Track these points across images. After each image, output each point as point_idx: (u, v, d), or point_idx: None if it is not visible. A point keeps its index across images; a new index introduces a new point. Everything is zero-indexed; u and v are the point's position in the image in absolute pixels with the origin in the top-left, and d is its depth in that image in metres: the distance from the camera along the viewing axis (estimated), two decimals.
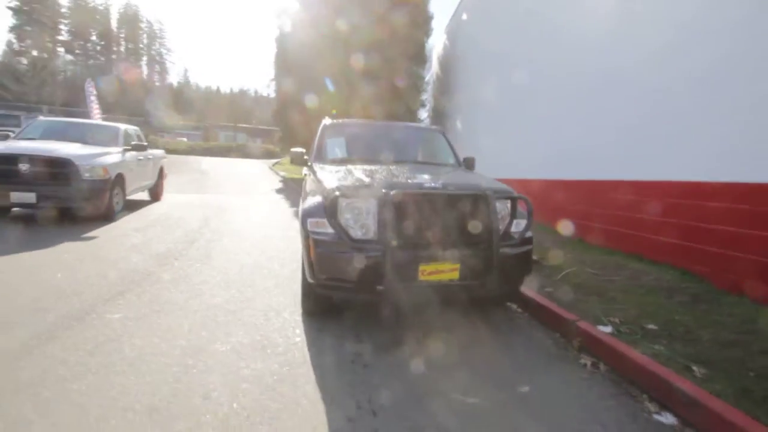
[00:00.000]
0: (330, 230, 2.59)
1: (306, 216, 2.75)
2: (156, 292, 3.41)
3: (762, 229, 3.28)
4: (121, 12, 54.90)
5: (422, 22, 12.92)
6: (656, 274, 3.99)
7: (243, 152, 30.21)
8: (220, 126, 43.78)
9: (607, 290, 3.59)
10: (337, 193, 2.58)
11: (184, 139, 31.57)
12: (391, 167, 3.57)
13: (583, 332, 2.71)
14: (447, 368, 2.42)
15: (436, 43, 14.59)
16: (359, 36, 11.79)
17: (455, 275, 2.64)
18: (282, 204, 10.00)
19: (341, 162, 3.72)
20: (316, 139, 4.05)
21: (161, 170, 8.87)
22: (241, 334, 2.72)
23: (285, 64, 14.30)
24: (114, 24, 53.71)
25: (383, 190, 2.58)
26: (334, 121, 4.24)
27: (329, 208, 2.55)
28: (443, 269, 2.61)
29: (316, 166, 3.66)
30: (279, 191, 13.07)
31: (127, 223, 6.29)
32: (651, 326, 2.91)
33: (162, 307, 3.10)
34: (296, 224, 7.32)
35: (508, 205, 2.91)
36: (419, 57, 13.35)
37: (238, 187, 13.07)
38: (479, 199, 2.71)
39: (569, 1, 6.31)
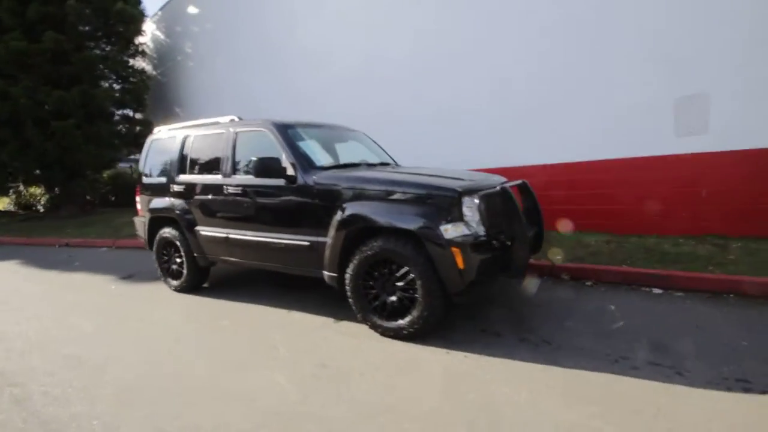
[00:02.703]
0: (465, 232, 2.54)
1: (436, 224, 2.46)
2: None
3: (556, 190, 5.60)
4: None
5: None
6: None
7: None
8: None
9: None
10: (478, 195, 2.62)
11: None
12: (388, 168, 3.45)
13: (565, 268, 3.85)
14: (535, 326, 2.82)
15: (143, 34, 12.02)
16: None
17: None
18: (36, 274, 5.63)
19: (340, 168, 3.22)
20: (280, 143, 3.14)
21: None
22: None
23: None
24: None
25: (498, 187, 2.81)
26: (288, 121, 3.40)
27: (480, 209, 2.57)
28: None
29: (320, 176, 2.95)
30: None
31: None
32: (558, 257, 4.45)
33: None
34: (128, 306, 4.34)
35: None
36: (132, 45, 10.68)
37: None
38: (528, 189, 3.29)
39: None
